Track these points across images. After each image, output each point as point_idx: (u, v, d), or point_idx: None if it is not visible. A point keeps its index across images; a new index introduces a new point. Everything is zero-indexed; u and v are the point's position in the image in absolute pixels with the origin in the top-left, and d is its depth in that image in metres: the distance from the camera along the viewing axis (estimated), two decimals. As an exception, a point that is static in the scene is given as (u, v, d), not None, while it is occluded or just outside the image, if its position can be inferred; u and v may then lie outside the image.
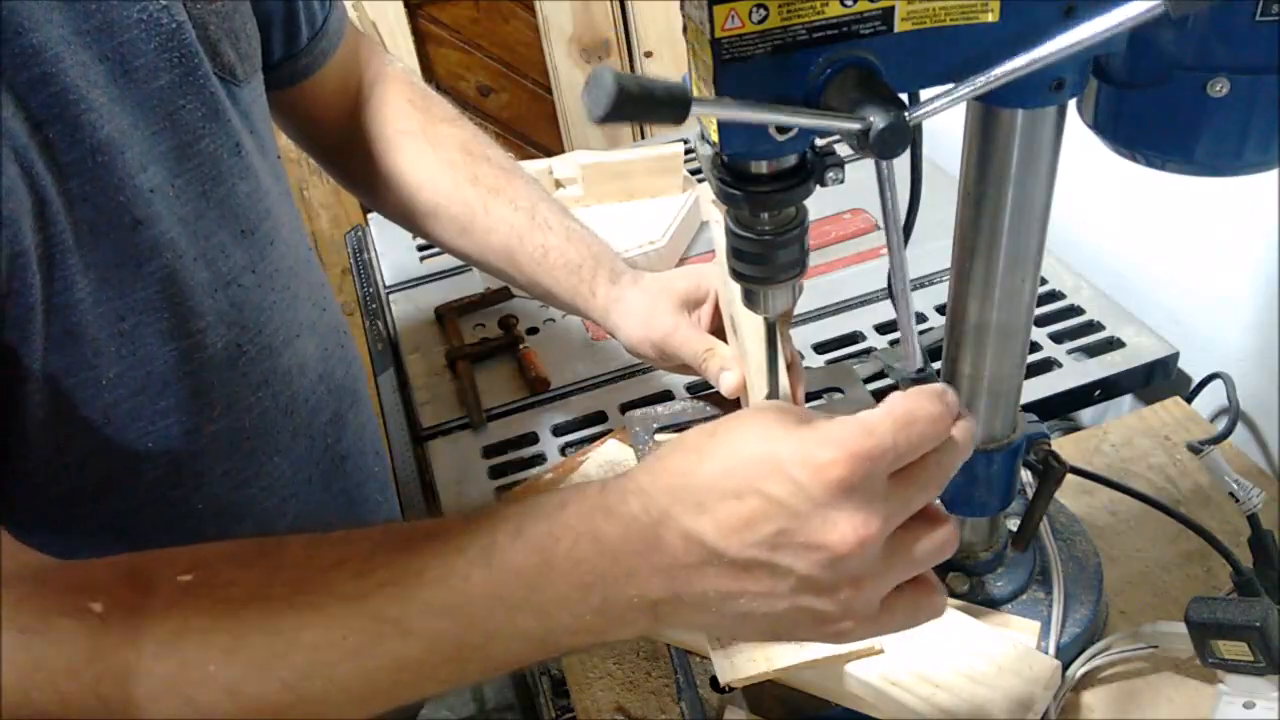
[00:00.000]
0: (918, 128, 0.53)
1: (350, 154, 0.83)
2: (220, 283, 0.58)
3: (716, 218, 0.57)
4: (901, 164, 0.47)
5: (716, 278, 0.74)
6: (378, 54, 0.85)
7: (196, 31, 0.56)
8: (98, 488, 0.56)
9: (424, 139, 0.81)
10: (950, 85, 0.44)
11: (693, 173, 1.28)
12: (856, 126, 0.41)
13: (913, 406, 0.43)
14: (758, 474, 0.42)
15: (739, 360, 0.68)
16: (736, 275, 0.53)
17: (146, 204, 0.53)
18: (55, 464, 0.53)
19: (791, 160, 0.48)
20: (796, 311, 1.04)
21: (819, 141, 0.48)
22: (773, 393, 0.63)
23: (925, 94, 0.46)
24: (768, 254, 0.51)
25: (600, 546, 0.44)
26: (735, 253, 0.52)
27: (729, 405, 0.72)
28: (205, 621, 0.43)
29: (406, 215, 0.83)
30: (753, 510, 0.42)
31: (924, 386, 0.44)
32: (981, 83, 0.42)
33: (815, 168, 0.48)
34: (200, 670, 0.42)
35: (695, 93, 0.47)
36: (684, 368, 0.75)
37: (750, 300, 0.55)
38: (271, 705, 0.43)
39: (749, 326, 0.65)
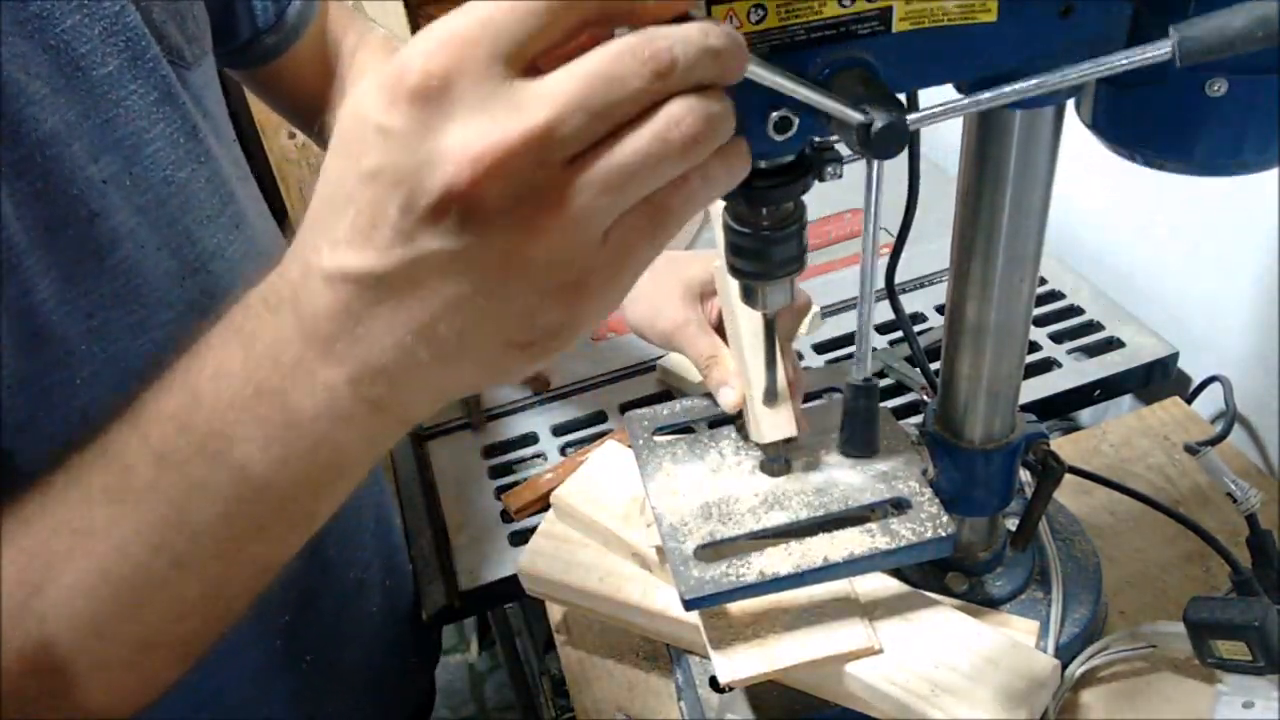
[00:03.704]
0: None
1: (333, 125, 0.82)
2: (188, 270, 0.57)
3: (717, 211, 0.57)
4: (900, 164, 0.47)
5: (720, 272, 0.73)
6: (357, 21, 0.84)
7: (141, 14, 0.55)
8: None
9: None
10: (953, 98, 0.44)
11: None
12: (859, 117, 0.40)
13: None
14: (350, 149, 0.33)
15: (738, 366, 0.68)
16: (734, 271, 0.53)
17: (101, 195, 0.52)
18: (33, 471, 0.52)
19: (790, 156, 0.48)
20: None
21: (817, 138, 0.48)
22: (770, 390, 0.63)
23: (925, 101, 0.46)
24: (766, 250, 0.51)
25: (248, 350, 0.37)
26: (733, 249, 0.52)
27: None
28: None
29: None
30: (367, 200, 0.32)
31: None
32: (987, 98, 0.42)
33: (814, 163, 0.48)
34: None
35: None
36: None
37: (748, 297, 0.55)
38: None
39: (747, 324, 0.65)
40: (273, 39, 0.74)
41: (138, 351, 0.54)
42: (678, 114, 0.32)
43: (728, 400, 0.67)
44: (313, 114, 0.83)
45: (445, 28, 0.31)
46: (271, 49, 0.75)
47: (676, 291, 0.72)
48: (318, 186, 0.35)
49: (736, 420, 0.68)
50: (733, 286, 0.60)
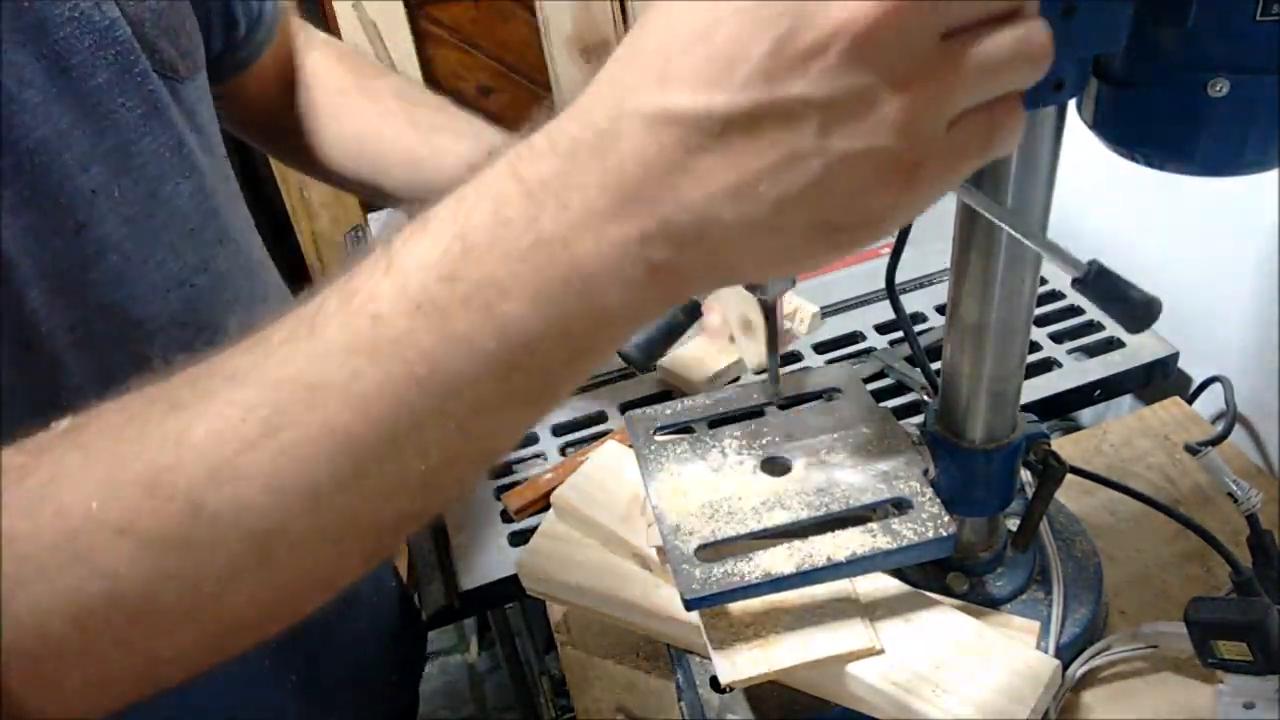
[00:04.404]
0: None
1: (292, 129, 0.83)
2: (171, 283, 0.57)
3: None
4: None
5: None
6: (304, 27, 0.85)
7: (132, 29, 0.55)
8: None
9: (360, 95, 0.81)
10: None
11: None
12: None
13: None
14: None
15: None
16: None
17: (89, 205, 0.51)
18: None
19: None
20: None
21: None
22: (772, 374, 0.63)
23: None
24: None
25: (529, 196, 0.33)
26: None
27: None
28: (78, 458, 0.36)
29: (356, 176, 0.82)
30: (727, 37, 0.30)
31: None
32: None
33: None
34: (81, 515, 0.35)
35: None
36: None
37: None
38: (178, 535, 0.35)
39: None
40: (243, 53, 0.74)
41: (123, 363, 0.54)
42: (1034, 27, 0.34)
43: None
44: (269, 123, 0.83)
45: None
46: (239, 64, 0.75)
47: None
48: (638, 27, 0.33)
49: (737, 420, 0.68)
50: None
